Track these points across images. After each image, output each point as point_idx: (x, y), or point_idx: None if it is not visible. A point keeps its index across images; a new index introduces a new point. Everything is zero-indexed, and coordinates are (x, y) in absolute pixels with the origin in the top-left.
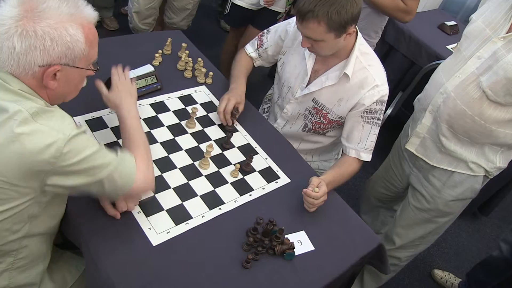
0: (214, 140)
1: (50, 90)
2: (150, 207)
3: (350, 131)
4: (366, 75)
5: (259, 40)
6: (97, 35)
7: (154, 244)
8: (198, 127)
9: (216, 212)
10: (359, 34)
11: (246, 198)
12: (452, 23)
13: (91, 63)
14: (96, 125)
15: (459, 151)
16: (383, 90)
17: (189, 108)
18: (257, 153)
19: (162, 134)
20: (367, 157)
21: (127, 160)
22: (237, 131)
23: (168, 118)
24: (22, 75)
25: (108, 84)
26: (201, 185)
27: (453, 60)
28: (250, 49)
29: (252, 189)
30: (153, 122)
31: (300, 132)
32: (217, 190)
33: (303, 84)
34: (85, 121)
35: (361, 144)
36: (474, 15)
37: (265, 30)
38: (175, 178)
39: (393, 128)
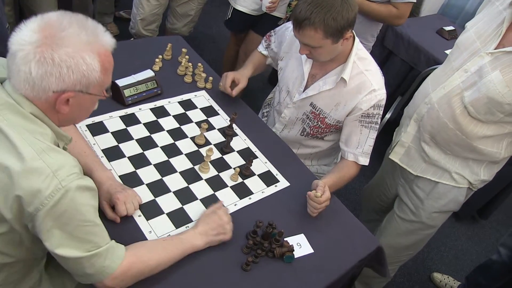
0: (214, 145)
1: (61, 114)
2: (151, 210)
3: (348, 136)
4: (363, 79)
5: (268, 40)
6: (112, 62)
7: None
8: (198, 132)
9: None
10: (357, 39)
11: (246, 201)
12: (451, 28)
13: (104, 89)
14: (97, 129)
15: (442, 161)
16: (380, 94)
17: (203, 151)
18: (257, 157)
19: (163, 139)
20: (364, 161)
21: (112, 254)
22: (237, 135)
23: (168, 123)
24: (35, 99)
25: (110, 87)
26: (201, 189)
27: (442, 70)
28: (261, 47)
29: (251, 193)
30: (153, 127)
31: (298, 136)
32: (217, 193)
33: (300, 89)
34: (86, 125)
35: (359, 148)
36: (469, 23)
37: (272, 31)
38: (175, 182)
39: (391, 132)
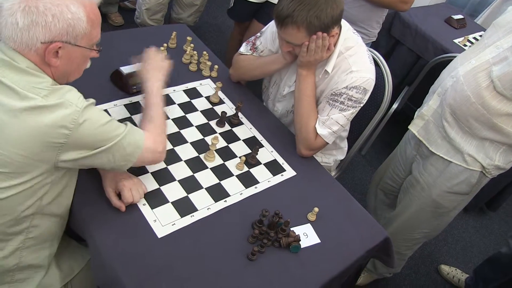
0: (219, 133)
1: (54, 67)
2: (156, 199)
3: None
4: (343, 63)
5: (253, 44)
6: (99, 15)
7: (159, 236)
8: (203, 120)
9: (222, 204)
10: (344, 29)
11: (252, 190)
12: (459, 16)
13: (94, 43)
14: None
15: (458, 140)
16: (358, 77)
17: (208, 139)
18: (263, 146)
19: (168, 127)
20: (320, 130)
21: (135, 130)
22: (243, 124)
23: (174, 111)
24: (26, 51)
25: (115, 75)
26: (206, 178)
27: (473, 48)
28: (243, 50)
29: (257, 182)
30: None
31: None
32: (222, 182)
33: (289, 83)
34: None
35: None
36: None
37: (258, 34)
38: (180, 170)
39: (399, 123)
